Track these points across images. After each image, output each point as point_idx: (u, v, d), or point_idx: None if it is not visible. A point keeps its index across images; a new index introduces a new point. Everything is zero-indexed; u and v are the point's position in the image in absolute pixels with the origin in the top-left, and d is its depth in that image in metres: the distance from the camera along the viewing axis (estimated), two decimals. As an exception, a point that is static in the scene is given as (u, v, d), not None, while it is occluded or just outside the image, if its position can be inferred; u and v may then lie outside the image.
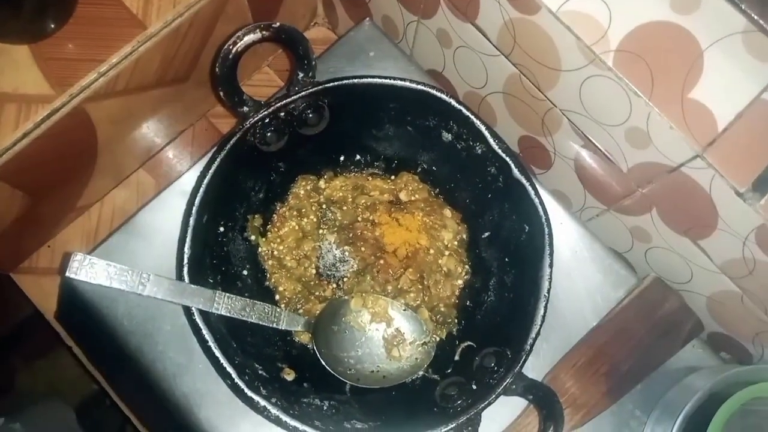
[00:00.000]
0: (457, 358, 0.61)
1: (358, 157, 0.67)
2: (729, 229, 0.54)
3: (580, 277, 0.69)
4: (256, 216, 0.64)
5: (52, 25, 0.66)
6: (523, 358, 0.53)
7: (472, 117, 0.58)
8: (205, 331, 0.53)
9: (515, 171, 0.57)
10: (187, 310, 0.53)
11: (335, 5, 0.86)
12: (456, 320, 0.63)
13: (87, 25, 0.67)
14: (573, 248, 0.70)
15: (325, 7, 0.89)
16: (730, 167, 0.50)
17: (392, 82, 0.58)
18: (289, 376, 0.59)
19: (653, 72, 0.51)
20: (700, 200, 0.54)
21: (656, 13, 0.52)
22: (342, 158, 0.67)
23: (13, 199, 0.71)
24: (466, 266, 0.65)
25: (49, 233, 0.84)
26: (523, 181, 0.57)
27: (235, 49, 0.54)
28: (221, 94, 0.56)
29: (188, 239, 0.54)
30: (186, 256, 0.54)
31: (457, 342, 0.62)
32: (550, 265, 0.55)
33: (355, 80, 0.58)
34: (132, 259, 0.67)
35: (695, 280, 0.64)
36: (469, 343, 0.61)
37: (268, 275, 0.64)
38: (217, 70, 0.54)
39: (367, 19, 0.73)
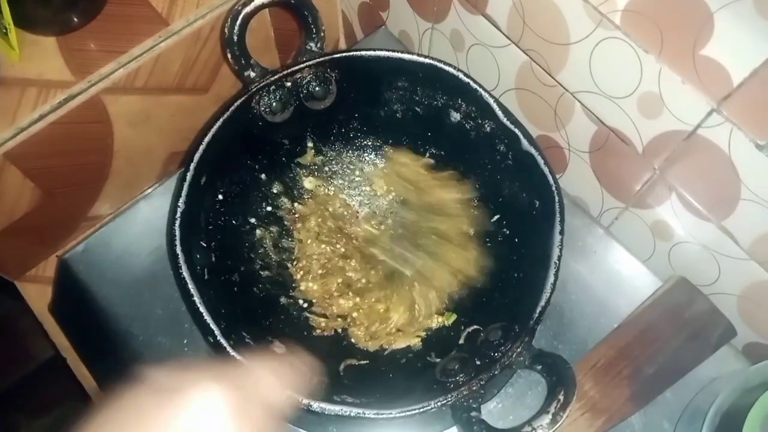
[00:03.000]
0: (461, 341, 0.56)
1: (366, 141, 0.66)
2: (753, 195, 0.51)
3: (600, 279, 0.65)
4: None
5: (81, 19, 0.69)
6: (532, 325, 0.49)
7: (481, 90, 0.57)
8: (191, 286, 0.50)
9: (524, 142, 0.56)
10: (174, 262, 0.50)
11: (355, 33, 0.89)
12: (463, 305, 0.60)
13: (114, 21, 0.70)
14: (594, 252, 0.66)
15: (346, 38, 0.92)
16: (749, 120, 0.48)
17: (400, 55, 0.58)
18: (279, 349, 0.55)
19: (662, 30, 0.50)
20: (720, 166, 0.51)
21: (663, -22, 0.52)
22: (349, 145, 0.66)
23: (24, 189, 0.71)
24: (474, 253, 0.62)
25: (59, 242, 0.83)
26: (533, 151, 0.55)
27: (244, 10, 0.55)
28: (228, 55, 0.56)
29: (183, 194, 0.53)
30: (179, 211, 0.52)
31: (463, 327, 0.57)
32: (561, 233, 0.52)
33: (363, 52, 0.58)
34: (129, 242, 0.66)
35: (723, 276, 0.59)
36: (475, 326, 0.56)
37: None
38: (225, 30, 0.55)
39: (383, 27, 0.75)
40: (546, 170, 0.54)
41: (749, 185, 0.50)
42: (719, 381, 0.58)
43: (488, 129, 0.59)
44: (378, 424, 0.56)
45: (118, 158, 0.78)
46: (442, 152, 0.65)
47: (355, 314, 0.61)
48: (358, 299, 0.61)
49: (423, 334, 0.60)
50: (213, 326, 0.49)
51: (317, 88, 0.59)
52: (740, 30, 0.50)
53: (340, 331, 0.61)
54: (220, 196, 0.59)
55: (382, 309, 0.61)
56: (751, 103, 0.48)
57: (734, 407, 0.52)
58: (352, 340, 0.60)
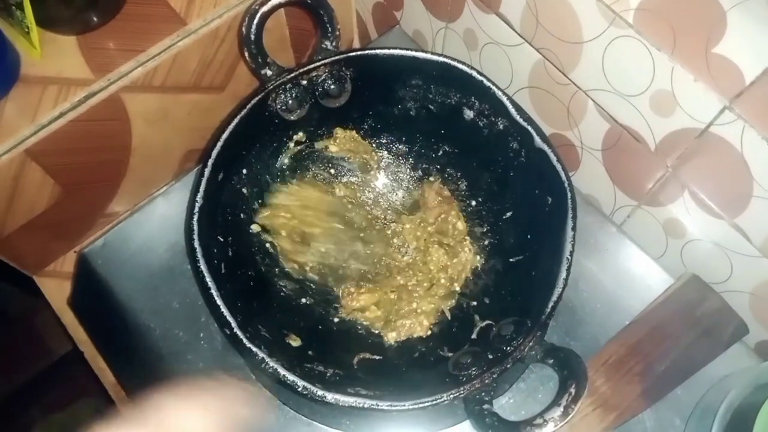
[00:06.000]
0: (474, 336, 0.57)
1: (381, 140, 0.67)
2: (766, 193, 0.51)
3: (612, 277, 0.66)
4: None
5: (100, 19, 0.71)
6: (544, 320, 0.49)
7: (494, 88, 0.57)
8: (208, 279, 0.51)
9: (537, 140, 0.56)
10: (192, 256, 0.51)
11: (369, 33, 0.90)
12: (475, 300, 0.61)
13: (133, 20, 0.72)
14: (606, 249, 0.67)
15: (360, 38, 0.93)
16: (761, 117, 0.48)
17: (414, 53, 0.59)
18: (295, 342, 0.56)
19: (675, 29, 0.51)
20: (732, 164, 0.51)
21: (676, -24, 0.52)
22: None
23: (44, 185, 0.72)
24: (486, 249, 0.63)
25: (77, 238, 0.85)
26: (545, 148, 0.55)
27: (262, 9, 0.56)
28: (245, 54, 0.57)
29: (201, 190, 0.54)
30: (198, 206, 0.53)
31: (476, 322, 0.58)
32: (573, 228, 0.52)
33: (378, 51, 0.59)
34: (147, 237, 0.67)
35: (735, 273, 0.59)
36: (488, 321, 0.57)
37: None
38: (243, 29, 0.56)
39: (397, 26, 0.76)
40: (559, 167, 0.55)
41: (761, 182, 0.51)
42: (730, 378, 0.58)
43: (501, 126, 0.59)
44: (391, 416, 0.57)
45: (136, 155, 0.80)
46: (456, 150, 0.65)
47: (372, 305, 0.61)
48: (374, 294, 0.62)
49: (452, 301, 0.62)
50: (230, 319, 0.50)
51: (332, 86, 0.60)
52: (753, 28, 0.50)
53: (355, 324, 0.62)
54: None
55: (394, 296, 0.62)
56: (763, 100, 0.48)
57: (745, 404, 0.52)
58: (367, 334, 0.61)
